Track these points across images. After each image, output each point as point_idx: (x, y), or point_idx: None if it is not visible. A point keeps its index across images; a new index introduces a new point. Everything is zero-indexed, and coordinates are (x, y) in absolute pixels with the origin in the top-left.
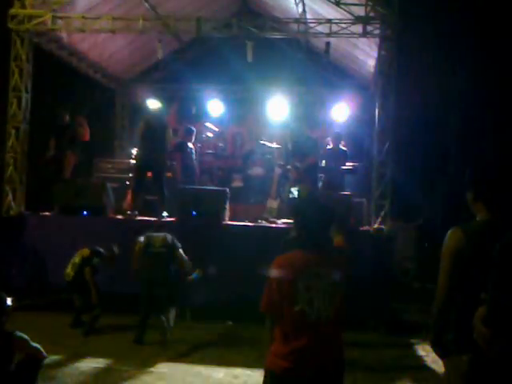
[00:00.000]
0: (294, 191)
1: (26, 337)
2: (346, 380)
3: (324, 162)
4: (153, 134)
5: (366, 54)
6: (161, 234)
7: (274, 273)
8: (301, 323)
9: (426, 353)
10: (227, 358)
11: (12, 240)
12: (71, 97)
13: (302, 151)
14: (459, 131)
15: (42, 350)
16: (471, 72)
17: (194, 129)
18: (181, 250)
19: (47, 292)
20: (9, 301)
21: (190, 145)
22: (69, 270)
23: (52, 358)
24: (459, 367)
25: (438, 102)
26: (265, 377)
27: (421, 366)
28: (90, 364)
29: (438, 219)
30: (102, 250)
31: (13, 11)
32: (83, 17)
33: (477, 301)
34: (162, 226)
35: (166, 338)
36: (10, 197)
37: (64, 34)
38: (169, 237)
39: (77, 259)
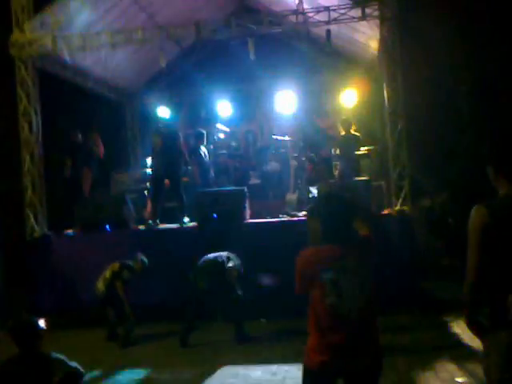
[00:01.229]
0: (314, 190)
1: (62, 357)
2: (386, 364)
3: (338, 149)
4: (165, 143)
5: (368, 37)
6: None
7: (300, 268)
8: (332, 316)
9: (461, 330)
10: (263, 355)
11: (39, 262)
12: (81, 115)
13: (314, 142)
14: (472, 107)
15: (79, 367)
16: (484, 46)
17: (204, 132)
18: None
19: (78, 309)
20: (41, 322)
21: (203, 148)
22: (100, 284)
23: (91, 374)
24: (498, 344)
25: (450, 78)
26: (303, 372)
27: (458, 344)
28: (129, 375)
29: (459, 195)
30: (130, 262)
31: (13, 38)
32: (83, 35)
33: (508, 276)
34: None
35: None
36: (33, 220)
37: (66, 54)
38: (220, 260)
39: (107, 274)
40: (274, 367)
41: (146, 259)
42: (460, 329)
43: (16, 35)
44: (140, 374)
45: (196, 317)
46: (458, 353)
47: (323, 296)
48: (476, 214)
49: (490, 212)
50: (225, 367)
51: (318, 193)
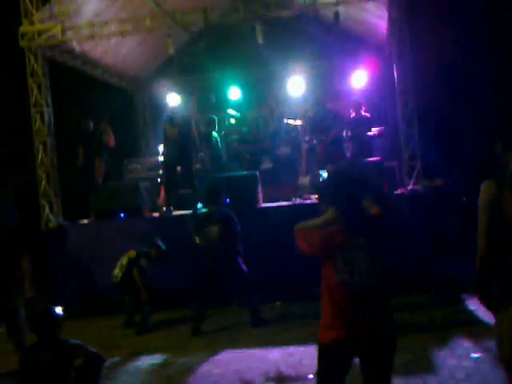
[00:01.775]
0: (324, 173)
1: (81, 343)
2: (401, 342)
3: (349, 131)
4: (177, 130)
5: (377, 16)
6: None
7: (312, 242)
8: (345, 293)
9: (477, 307)
10: (279, 337)
11: (55, 251)
12: (92, 104)
13: (324, 125)
14: (482, 85)
15: (99, 353)
16: (492, 23)
17: (215, 118)
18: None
19: (96, 297)
20: (59, 310)
21: (214, 134)
22: (117, 271)
23: (109, 360)
24: (508, 319)
25: (459, 57)
26: (318, 349)
27: (473, 321)
28: (147, 361)
29: (472, 173)
30: (147, 249)
31: (22, 29)
32: (91, 24)
33: None
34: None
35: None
36: (47, 210)
37: (75, 44)
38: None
39: (124, 261)
40: (290, 348)
41: (163, 245)
42: (475, 305)
43: (25, 26)
44: (157, 358)
45: (208, 303)
46: (474, 329)
47: (336, 273)
48: (485, 189)
49: (499, 186)
50: (241, 350)
51: (327, 173)
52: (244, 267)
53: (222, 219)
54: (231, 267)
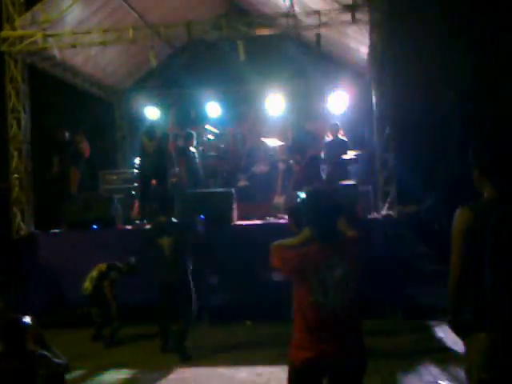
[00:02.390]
0: (302, 195)
1: (47, 354)
2: (369, 368)
3: (325, 153)
4: (154, 144)
5: (358, 42)
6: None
7: (287, 262)
8: (317, 314)
9: (445, 334)
10: (249, 357)
11: (25, 260)
12: (70, 112)
13: (302, 145)
14: (460, 110)
15: (64, 362)
16: (473, 50)
17: (193, 133)
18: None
19: (65, 309)
20: (28, 319)
21: (192, 149)
22: (87, 284)
23: (76, 373)
24: (478, 345)
25: (438, 83)
26: (288, 369)
27: (441, 348)
28: (114, 375)
29: (445, 201)
30: (118, 263)
31: (3, 34)
32: (73, 32)
33: (490, 278)
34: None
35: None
36: (19, 217)
37: (56, 51)
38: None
39: (94, 273)
40: (258, 369)
41: (135, 263)
42: (443, 332)
43: (6, 31)
44: (124, 374)
45: (167, 318)
46: (442, 356)
47: (309, 293)
48: (460, 217)
49: (474, 214)
50: (209, 369)
51: (305, 194)
52: (191, 283)
53: (175, 231)
54: (183, 279)
